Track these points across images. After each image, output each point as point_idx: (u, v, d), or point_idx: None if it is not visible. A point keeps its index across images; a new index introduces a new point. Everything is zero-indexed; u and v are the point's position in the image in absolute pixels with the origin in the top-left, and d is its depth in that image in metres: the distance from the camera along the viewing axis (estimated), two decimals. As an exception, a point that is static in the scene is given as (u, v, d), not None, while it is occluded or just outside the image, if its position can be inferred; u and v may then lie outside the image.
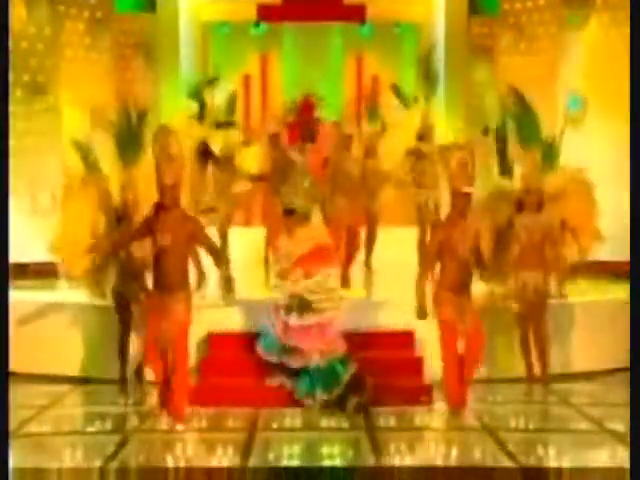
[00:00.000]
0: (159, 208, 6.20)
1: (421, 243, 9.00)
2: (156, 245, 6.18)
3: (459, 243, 6.39)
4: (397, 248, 9.68)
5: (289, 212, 7.01)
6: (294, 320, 6.70)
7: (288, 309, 6.76)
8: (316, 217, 7.24)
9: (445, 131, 9.25)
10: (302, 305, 6.67)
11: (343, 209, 8.45)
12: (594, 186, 7.62)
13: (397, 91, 9.35)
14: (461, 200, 6.42)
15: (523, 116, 7.73)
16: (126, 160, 7.32)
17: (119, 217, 7.20)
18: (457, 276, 6.40)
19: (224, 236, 9.48)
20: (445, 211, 9.81)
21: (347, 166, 8.56)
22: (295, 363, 6.70)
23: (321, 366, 6.65)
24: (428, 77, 9.16)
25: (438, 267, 6.52)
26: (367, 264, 9.42)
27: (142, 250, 6.75)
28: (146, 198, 7.10)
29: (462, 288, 6.41)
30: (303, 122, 10.39)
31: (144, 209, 6.97)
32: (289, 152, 8.90)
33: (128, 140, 7.35)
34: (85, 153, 7.31)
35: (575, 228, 7.36)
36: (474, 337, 6.38)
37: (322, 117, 11.16)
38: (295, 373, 6.74)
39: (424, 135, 9.00)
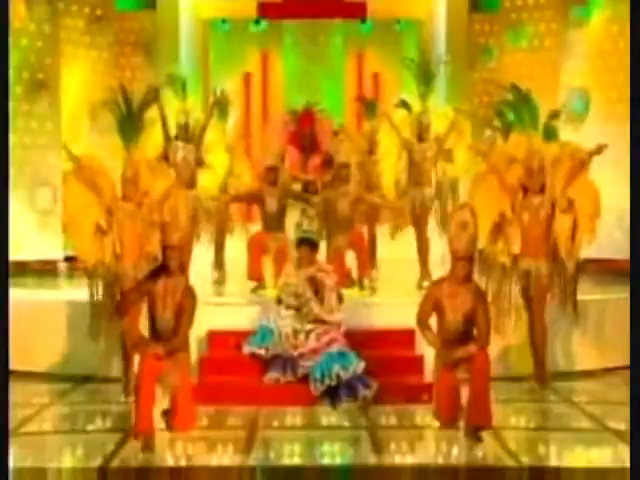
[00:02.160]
0: (160, 271, 6.02)
1: (419, 243, 8.99)
2: (153, 309, 5.96)
3: (450, 311, 5.94)
4: (398, 247, 9.69)
5: (304, 241, 7.04)
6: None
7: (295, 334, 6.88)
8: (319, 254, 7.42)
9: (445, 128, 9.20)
10: None
11: (342, 244, 8.49)
12: (589, 156, 7.42)
13: (405, 104, 9.37)
14: (459, 264, 5.91)
15: (523, 106, 7.70)
16: (127, 139, 7.31)
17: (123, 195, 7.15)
18: (449, 337, 5.97)
19: (221, 245, 9.54)
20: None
21: (341, 204, 8.51)
22: (305, 364, 6.74)
23: (335, 351, 6.71)
24: (424, 76, 9.13)
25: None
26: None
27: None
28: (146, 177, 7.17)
29: (460, 343, 5.94)
30: (304, 134, 10.46)
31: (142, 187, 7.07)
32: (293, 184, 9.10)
33: (129, 120, 7.33)
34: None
35: (574, 199, 7.25)
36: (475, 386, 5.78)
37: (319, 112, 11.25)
38: (292, 367, 6.79)
39: (420, 134, 8.98)
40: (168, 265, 5.99)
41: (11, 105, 8.98)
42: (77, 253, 7.41)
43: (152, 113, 8.15)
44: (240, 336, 7.13)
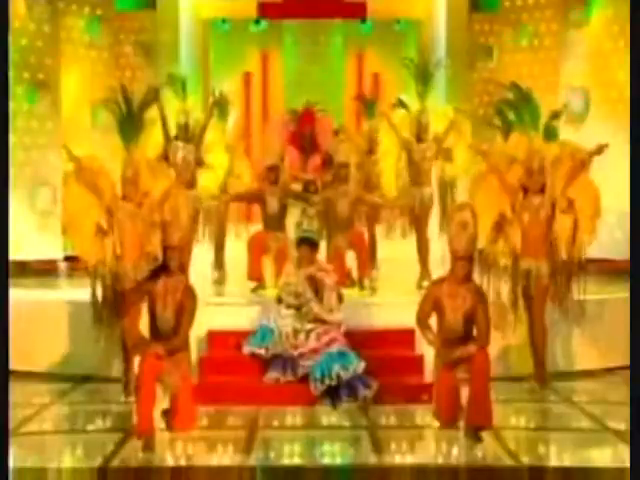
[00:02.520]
0: (160, 271, 6.04)
1: (419, 243, 8.99)
2: (154, 309, 5.98)
3: (450, 311, 5.94)
4: (398, 247, 9.70)
5: (304, 241, 7.04)
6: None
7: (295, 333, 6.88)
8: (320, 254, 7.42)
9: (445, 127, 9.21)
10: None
11: (342, 244, 8.47)
12: (590, 157, 7.41)
13: (403, 104, 9.39)
14: (459, 264, 5.91)
15: (523, 106, 7.71)
16: (127, 139, 7.31)
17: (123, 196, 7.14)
18: (448, 337, 5.96)
19: (221, 245, 9.54)
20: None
21: (341, 204, 8.48)
22: (305, 364, 6.74)
23: (336, 351, 6.71)
24: (422, 75, 9.13)
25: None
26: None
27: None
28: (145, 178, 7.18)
29: (459, 343, 5.94)
30: (304, 134, 10.47)
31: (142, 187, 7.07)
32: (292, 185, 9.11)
33: (129, 120, 7.33)
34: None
35: (574, 200, 7.25)
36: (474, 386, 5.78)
37: (319, 112, 11.26)
38: (292, 366, 6.80)
39: (419, 134, 8.99)
40: (168, 265, 6.00)
41: (11, 105, 8.97)
42: (78, 254, 7.41)
43: (152, 113, 8.16)
44: (240, 336, 7.13)
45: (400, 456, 5.46)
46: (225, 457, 5.49)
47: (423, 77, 9.16)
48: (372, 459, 5.38)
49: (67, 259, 10.23)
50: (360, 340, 6.97)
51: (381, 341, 7.19)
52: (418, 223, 9.03)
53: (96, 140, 10.59)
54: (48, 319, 7.83)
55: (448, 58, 10.86)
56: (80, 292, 7.53)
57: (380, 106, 10.50)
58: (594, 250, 7.54)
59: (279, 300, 7.12)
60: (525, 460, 5.32)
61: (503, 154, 7.65)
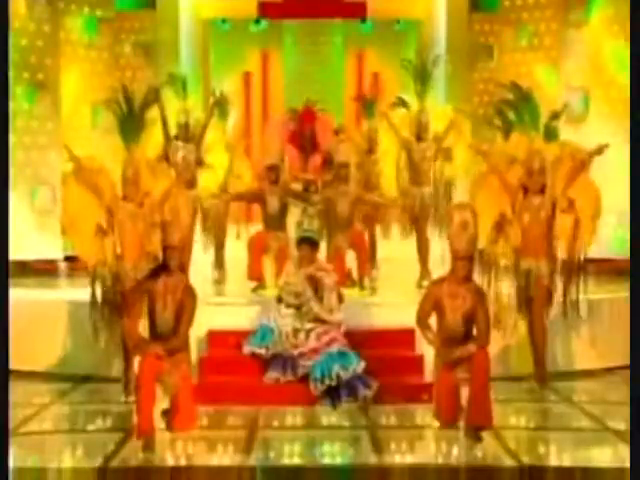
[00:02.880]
0: (160, 270, 6.04)
1: (419, 243, 8.99)
2: (153, 309, 5.97)
3: (450, 311, 5.93)
4: (398, 246, 9.70)
5: (304, 240, 7.04)
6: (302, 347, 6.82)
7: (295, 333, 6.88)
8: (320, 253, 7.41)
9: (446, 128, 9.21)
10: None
11: (343, 243, 8.47)
12: (590, 157, 7.41)
13: (403, 103, 9.41)
14: (459, 264, 5.90)
15: (523, 106, 7.72)
16: (127, 139, 7.32)
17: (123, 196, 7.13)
18: (448, 337, 5.95)
19: (221, 244, 9.54)
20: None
21: (341, 204, 8.49)
22: (305, 364, 6.74)
23: (336, 351, 6.71)
24: (421, 75, 9.14)
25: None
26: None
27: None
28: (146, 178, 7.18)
29: (459, 342, 5.93)
30: (304, 133, 10.49)
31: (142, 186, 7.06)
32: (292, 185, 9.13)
33: (130, 120, 7.33)
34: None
35: (574, 200, 7.25)
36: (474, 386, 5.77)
37: (319, 111, 11.27)
38: (292, 366, 6.79)
39: (419, 133, 8.99)
40: (168, 265, 6.00)
41: (11, 105, 8.98)
42: (78, 254, 7.41)
43: (152, 113, 8.16)
44: (240, 336, 7.13)
45: (400, 456, 5.46)
46: (225, 457, 5.49)
47: (422, 77, 9.16)
48: (372, 459, 5.38)
49: (67, 259, 10.23)
50: (360, 340, 6.97)
51: (381, 341, 7.19)
52: (418, 223, 9.04)
53: (96, 140, 10.60)
54: (48, 319, 7.83)
55: (448, 58, 10.86)
56: (80, 292, 7.52)
57: (380, 106, 10.50)
58: (594, 250, 7.54)
59: (279, 299, 7.12)
60: (525, 460, 5.32)
61: (503, 154, 7.65)
